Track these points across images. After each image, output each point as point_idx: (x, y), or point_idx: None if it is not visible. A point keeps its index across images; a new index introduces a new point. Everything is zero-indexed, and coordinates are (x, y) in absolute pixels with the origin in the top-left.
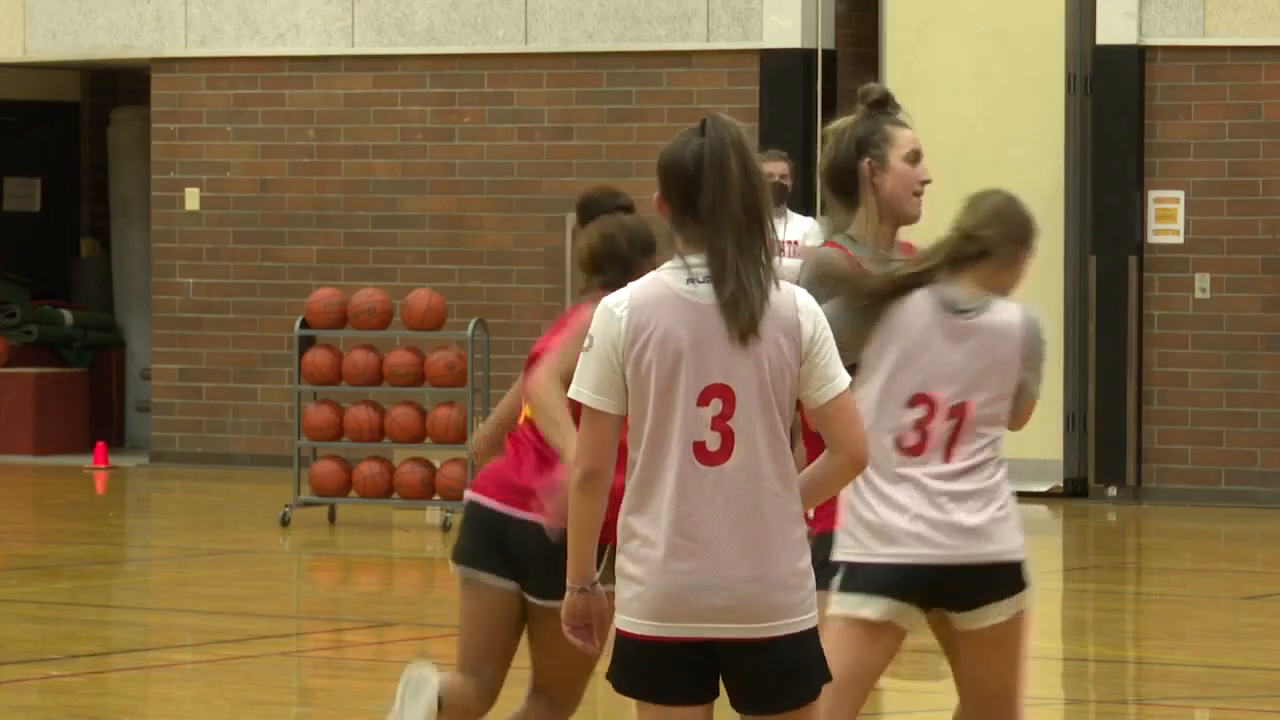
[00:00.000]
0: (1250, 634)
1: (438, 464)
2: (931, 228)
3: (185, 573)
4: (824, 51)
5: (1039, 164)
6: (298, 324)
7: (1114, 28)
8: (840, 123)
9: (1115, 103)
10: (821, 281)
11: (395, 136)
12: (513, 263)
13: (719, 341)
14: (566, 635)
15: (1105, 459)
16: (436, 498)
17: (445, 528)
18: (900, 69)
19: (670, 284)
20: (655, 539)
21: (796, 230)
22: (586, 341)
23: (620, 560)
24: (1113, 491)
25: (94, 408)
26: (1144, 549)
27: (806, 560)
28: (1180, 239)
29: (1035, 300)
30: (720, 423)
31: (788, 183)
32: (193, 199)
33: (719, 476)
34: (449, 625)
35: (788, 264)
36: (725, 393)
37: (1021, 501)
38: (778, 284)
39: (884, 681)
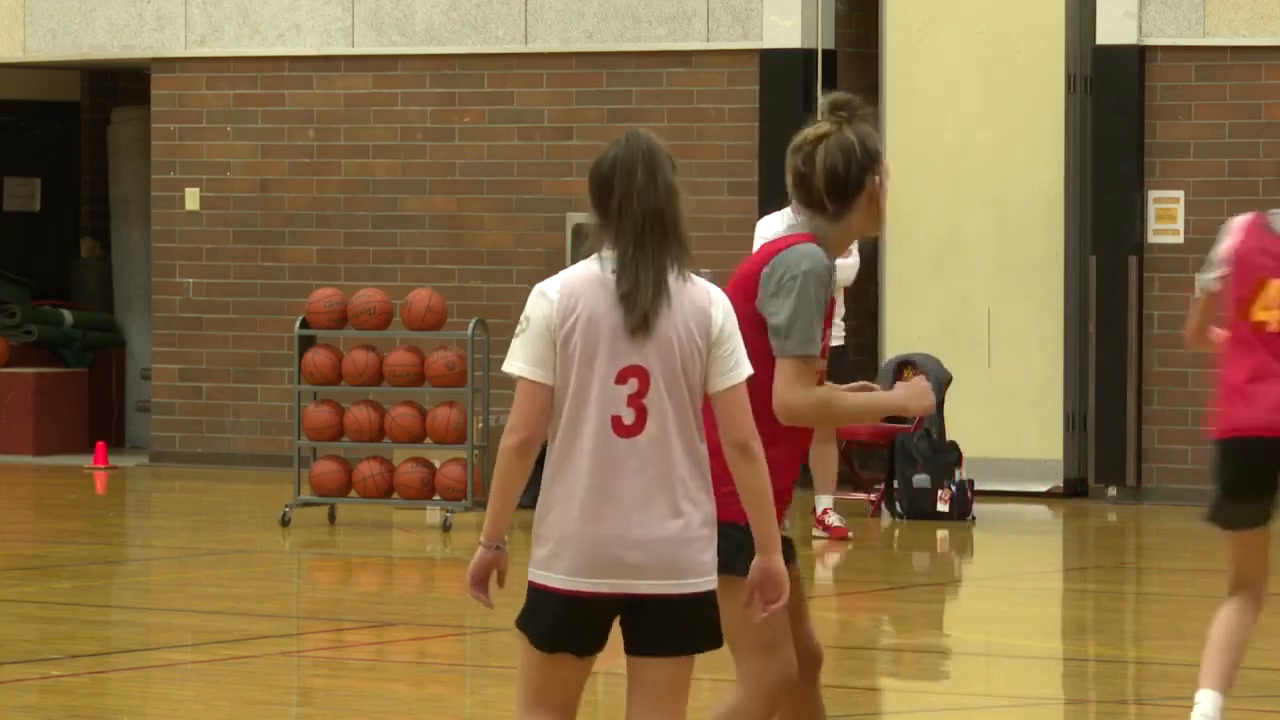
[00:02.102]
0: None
1: (438, 464)
2: (930, 228)
3: (185, 573)
4: (824, 51)
5: (1039, 164)
6: (298, 324)
7: (1114, 28)
8: (822, 129)
9: (1115, 103)
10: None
11: (395, 136)
12: (513, 263)
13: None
14: (469, 589)
15: (1105, 459)
16: (436, 498)
17: (445, 528)
18: (900, 69)
19: (598, 272)
20: (573, 502)
21: None
22: (522, 323)
23: (538, 521)
24: (1113, 491)
25: (94, 408)
26: (1144, 549)
27: (711, 529)
28: (1180, 239)
29: (1036, 300)
30: (635, 400)
31: None
32: (193, 199)
33: (632, 447)
34: (449, 625)
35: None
36: (640, 373)
37: (1021, 501)
38: (688, 278)
39: (884, 681)
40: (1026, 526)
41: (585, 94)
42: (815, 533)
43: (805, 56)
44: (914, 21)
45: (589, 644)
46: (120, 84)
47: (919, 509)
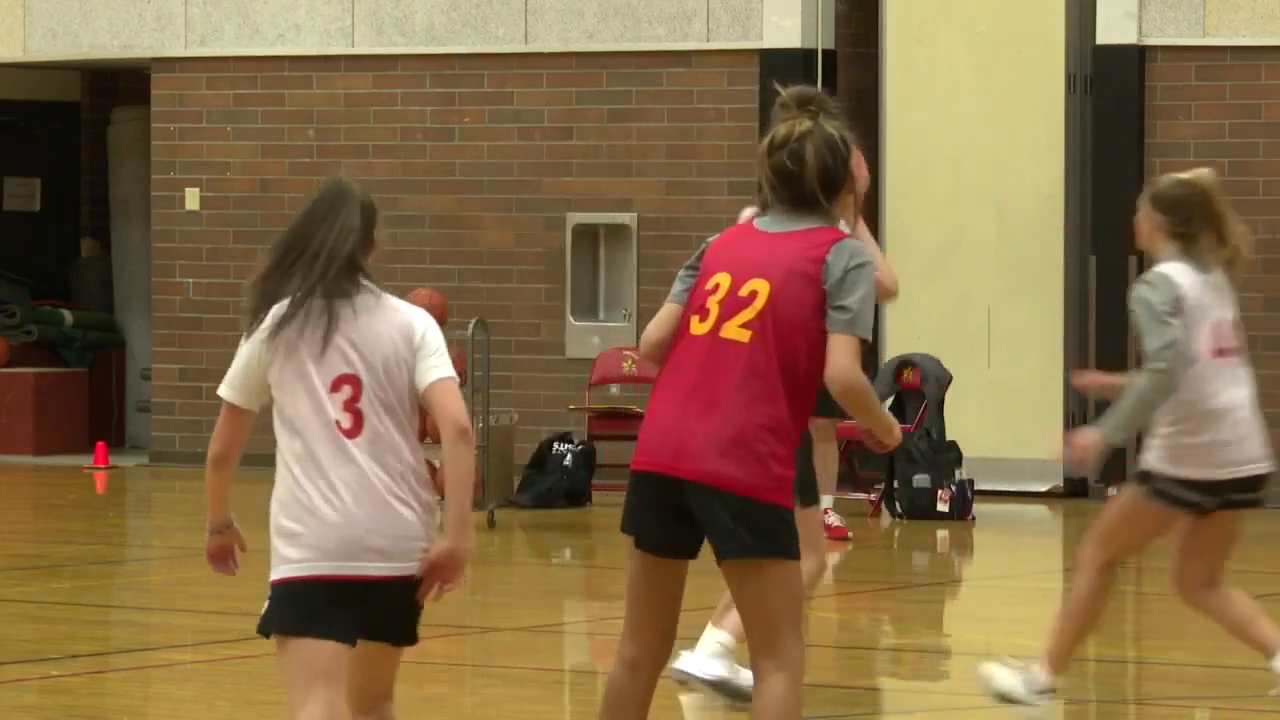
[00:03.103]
0: None
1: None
2: (930, 228)
3: (185, 573)
4: (824, 51)
5: (1039, 164)
6: None
7: (1114, 28)
8: (804, 125)
9: (1115, 103)
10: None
11: (395, 136)
12: (513, 263)
13: (342, 342)
14: (211, 566)
15: (1105, 459)
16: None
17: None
18: (900, 69)
19: (301, 304)
20: (309, 500)
21: None
22: (240, 352)
23: (278, 520)
24: (1113, 491)
25: (94, 408)
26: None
27: (428, 517)
28: None
29: (1035, 300)
30: (350, 405)
31: None
32: (193, 199)
33: (354, 448)
34: (449, 625)
35: None
36: (353, 380)
37: (1021, 501)
38: (379, 296)
39: (884, 681)
40: (1026, 526)
41: (585, 94)
42: None
43: (805, 56)
44: (914, 21)
45: (340, 628)
46: (120, 84)
47: (919, 509)
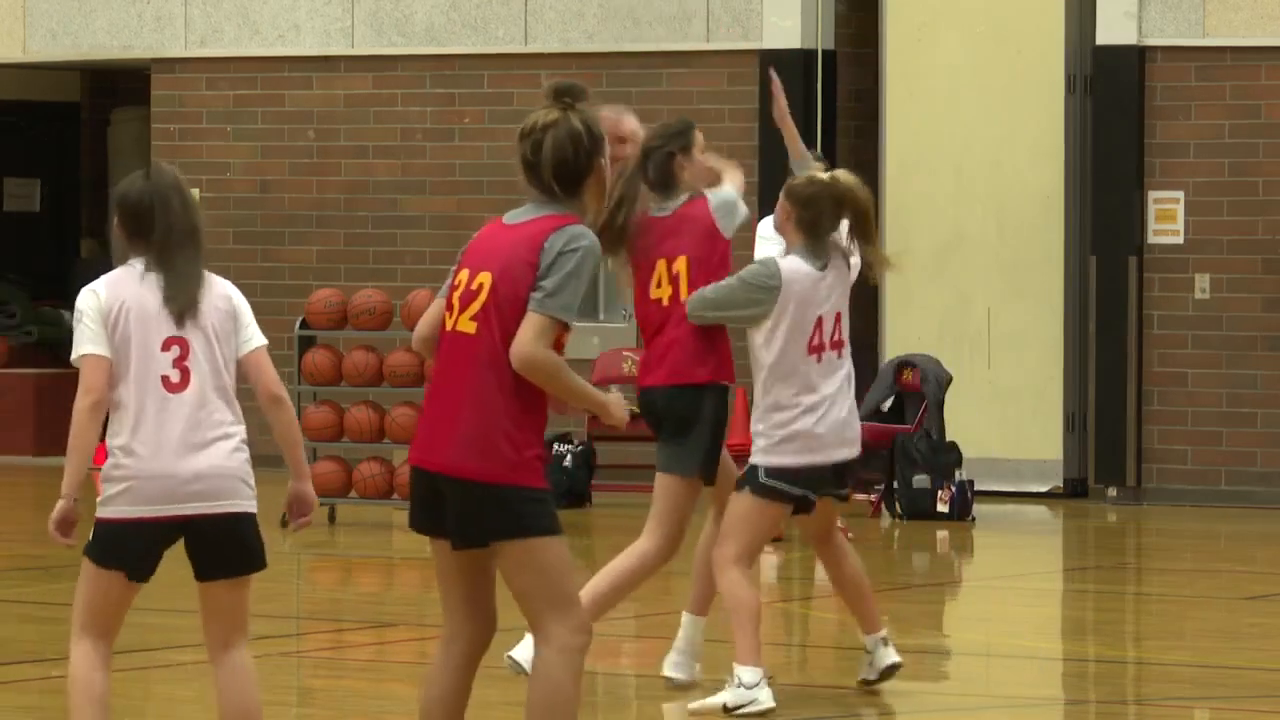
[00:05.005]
0: (1250, 634)
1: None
2: (930, 228)
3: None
4: (824, 51)
5: (1039, 164)
6: (298, 324)
7: (1114, 28)
8: (551, 116)
9: (1115, 103)
10: None
11: (395, 137)
12: None
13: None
14: (53, 534)
15: (1105, 459)
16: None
17: None
18: (900, 69)
19: (136, 271)
20: (138, 447)
21: None
22: (78, 316)
23: (108, 468)
24: (1113, 491)
25: None
26: (1144, 549)
27: (244, 462)
28: (1180, 239)
29: (1036, 300)
30: (179, 363)
31: None
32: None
33: (180, 401)
34: None
35: None
36: (182, 343)
37: (1021, 501)
38: (208, 276)
39: (884, 682)
40: (1026, 526)
41: None
42: None
43: (805, 56)
44: (914, 21)
45: (149, 567)
46: (120, 84)
47: (919, 509)
